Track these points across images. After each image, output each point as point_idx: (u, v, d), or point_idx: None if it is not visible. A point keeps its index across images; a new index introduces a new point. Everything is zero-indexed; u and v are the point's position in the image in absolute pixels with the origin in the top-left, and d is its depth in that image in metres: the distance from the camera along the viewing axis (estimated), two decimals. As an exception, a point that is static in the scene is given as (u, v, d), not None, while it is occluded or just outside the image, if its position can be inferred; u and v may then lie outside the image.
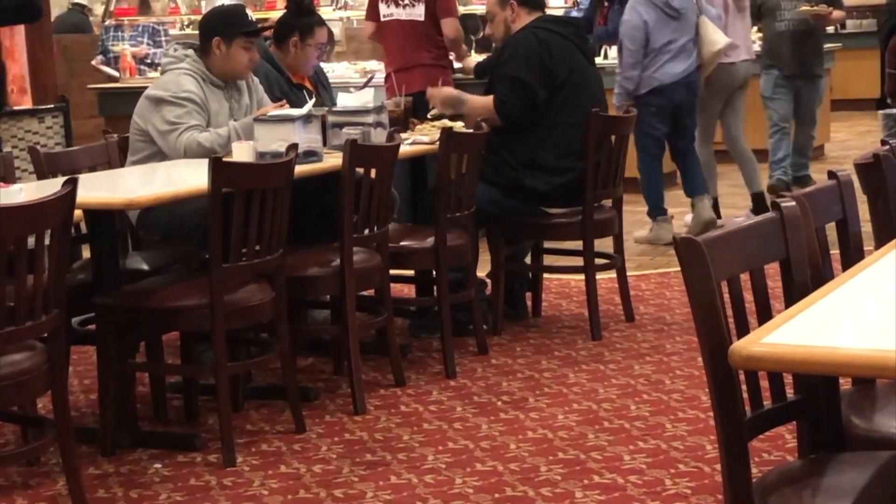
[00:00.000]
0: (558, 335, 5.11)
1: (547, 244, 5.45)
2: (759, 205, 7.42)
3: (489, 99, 5.06)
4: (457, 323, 4.79)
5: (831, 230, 2.59)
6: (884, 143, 3.10)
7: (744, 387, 2.11)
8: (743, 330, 2.10)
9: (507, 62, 5.09)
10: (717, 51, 6.87)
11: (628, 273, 5.40)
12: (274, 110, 4.46)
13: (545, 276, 5.61)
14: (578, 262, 5.14)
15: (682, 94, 6.80)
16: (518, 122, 4.91)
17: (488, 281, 5.20)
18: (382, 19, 6.79)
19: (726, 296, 2.11)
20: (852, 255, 2.60)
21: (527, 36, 5.06)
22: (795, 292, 2.20)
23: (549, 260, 5.52)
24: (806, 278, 2.25)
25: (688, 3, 6.79)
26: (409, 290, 5.44)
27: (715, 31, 6.87)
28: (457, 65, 7.09)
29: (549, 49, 4.98)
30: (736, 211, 7.78)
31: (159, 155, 4.45)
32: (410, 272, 5.15)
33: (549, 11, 5.51)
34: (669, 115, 6.81)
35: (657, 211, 6.99)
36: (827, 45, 10.77)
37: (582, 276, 5.13)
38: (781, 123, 8.03)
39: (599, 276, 5.21)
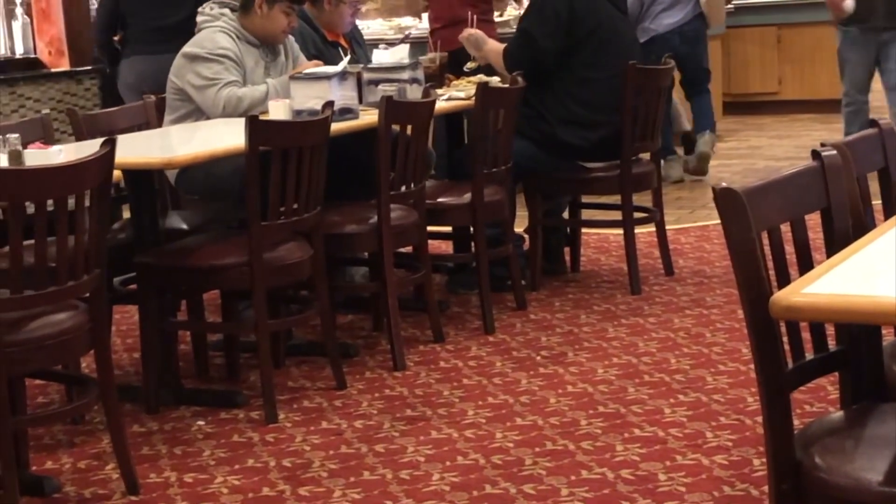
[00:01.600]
0: (597, 290, 5.10)
1: (585, 199, 5.43)
2: None
3: (501, 47, 5.10)
4: (495, 278, 4.79)
5: (873, 180, 2.56)
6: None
7: (785, 338, 2.09)
8: (784, 281, 2.08)
9: (526, 14, 5.15)
10: (717, 1, 7.32)
11: (667, 227, 5.37)
12: (309, 68, 4.46)
13: (583, 230, 5.60)
14: (617, 216, 5.12)
15: (677, 42, 7.06)
16: (519, 72, 4.89)
17: (526, 236, 5.19)
18: None
19: (766, 247, 2.09)
20: (894, 204, 2.56)
21: None
22: (836, 242, 2.18)
23: (587, 214, 5.51)
24: (847, 228, 2.22)
25: None
26: (446, 247, 5.44)
27: None
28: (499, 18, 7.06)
29: (574, 2, 4.94)
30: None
31: (196, 113, 4.46)
32: (448, 228, 5.15)
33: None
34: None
35: (665, 151, 7.06)
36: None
37: (620, 231, 5.11)
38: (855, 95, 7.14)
39: (638, 230, 5.19)
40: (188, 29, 4.67)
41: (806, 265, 2.14)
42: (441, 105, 4.67)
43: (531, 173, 5.03)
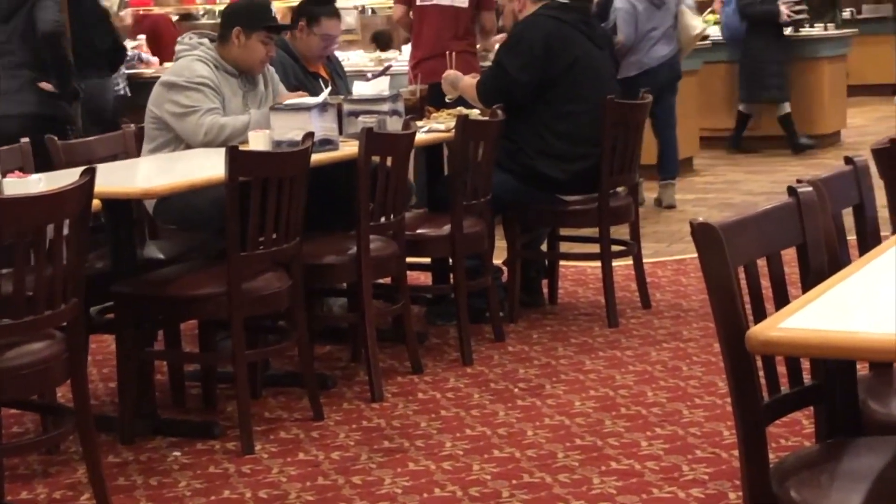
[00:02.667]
0: (575, 322, 5.11)
1: (563, 231, 5.45)
2: None
3: (475, 81, 5.14)
4: (473, 310, 4.80)
5: (848, 215, 2.58)
6: (901, 127, 3.09)
7: (761, 372, 2.11)
8: (760, 315, 2.10)
9: (502, 46, 5.21)
10: (695, 35, 7.65)
11: (644, 260, 5.40)
12: (290, 99, 4.47)
13: (561, 263, 5.62)
14: (595, 249, 5.14)
15: (666, 74, 7.44)
16: (494, 104, 4.93)
17: (504, 268, 5.20)
18: (419, 3, 6.70)
19: (743, 281, 2.11)
20: (869, 240, 2.59)
21: (528, 25, 5.07)
22: (812, 277, 2.20)
23: (565, 247, 5.53)
24: (823, 263, 2.25)
25: None
26: (425, 278, 5.45)
27: (693, 17, 7.62)
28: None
29: (549, 38, 4.98)
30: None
31: (175, 142, 4.46)
32: (427, 259, 5.16)
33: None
34: (656, 93, 6.95)
35: (667, 174, 7.70)
36: (844, 31, 10.77)
37: (598, 263, 5.13)
38: None
39: (616, 262, 5.21)
40: None
41: (782, 300, 2.16)
42: (421, 137, 4.69)
43: (510, 205, 5.06)
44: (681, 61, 7.68)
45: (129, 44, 7.91)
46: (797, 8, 9.86)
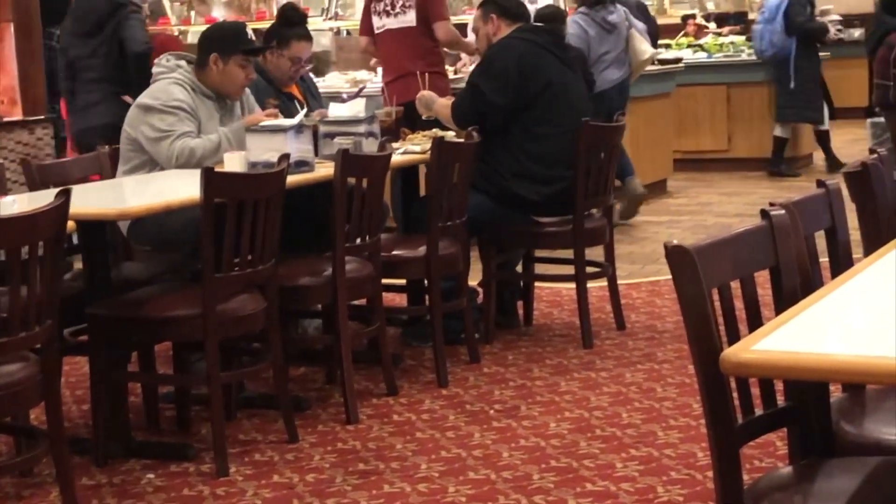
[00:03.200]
0: (550, 343, 5.12)
1: (538, 253, 5.47)
2: None
3: (450, 103, 5.17)
4: (449, 332, 4.80)
5: (820, 238, 2.61)
6: (872, 151, 3.13)
7: (735, 394, 2.12)
8: (734, 337, 2.12)
9: (476, 68, 5.23)
10: (646, 59, 7.82)
11: (619, 281, 5.42)
12: (265, 119, 4.48)
13: (536, 284, 5.63)
14: (569, 270, 5.16)
15: (616, 97, 7.57)
16: (468, 126, 4.96)
17: (480, 290, 5.21)
18: (376, 31, 6.80)
19: (717, 304, 2.13)
20: (841, 262, 2.61)
21: (502, 47, 5.10)
22: (785, 300, 2.22)
23: (540, 268, 5.54)
24: (795, 286, 2.27)
25: (620, 18, 7.68)
26: (400, 300, 5.45)
27: (643, 42, 7.78)
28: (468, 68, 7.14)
29: (523, 61, 5.01)
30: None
31: (150, 164, 4.46)
32: (402, 281, 5.17)
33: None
34: (605, 115, 7.06)
35: (625, 171, 7.70)
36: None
37: (573, 285, 5.15)
38: None
39: (590, 284, 5.23)
40: None
41: (755, 322, 2.18)
42: (397, 159, 4.70)
43: (486, 227, 5.07)
44: (629, 85, 7.81)
45: None
46: (839, 27, 9.89)
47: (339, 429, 4.11)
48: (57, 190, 3.12)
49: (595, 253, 5.31)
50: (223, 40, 4.58)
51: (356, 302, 4.58)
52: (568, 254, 5.16)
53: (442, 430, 4.06)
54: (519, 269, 5.47)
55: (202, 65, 4.54)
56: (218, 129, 4.51)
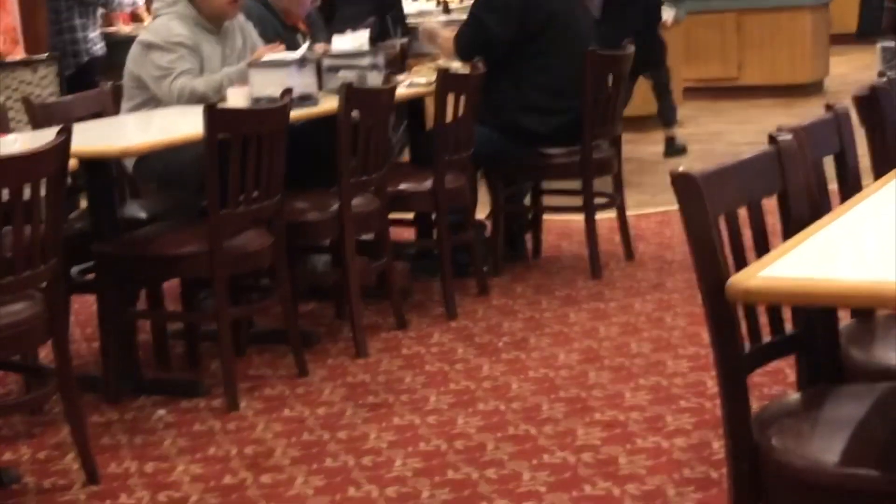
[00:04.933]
0: (558, 275, 5.11)
1: (546, 185, 5.44)
2: None
3: (453, 35, 5.10)
4: (457, 265, 4.79)
5: (829, 164, 2.58)
6: (881, 75, 3.08)
7: (742, 322, 2.11)
8: (741, 265, 2.09)
9: (477, 1, 5.13)
10: None
11: (628, 212, 5.39)
12: (268, 53, 4.43)
13: (545, 216, 5.60)
14: (578, 201, 5.13)
15: None
16: (471, 58, 4.89)
17: (488, 222, 5.19)
18: None
19: (724, 231, 2.10)
20: (850, 188, 2.58)
21: None
22: (793, 226, 2.19)
23: (548, 200, 5.52)
24: (803, 212, 2.24)
25: None
26: (408, 234, 5.44)
27: None
28: None
29: None
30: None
31: (153, 101, 4.42)
32: (410, 215, 5.15)
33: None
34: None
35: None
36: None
37: (581, 216, 5.12)
38: None
39: (599, 215, 5.20)
40: None
41: (763, 249, 2.16)
42: (402, 91, 4.65)
43: (492, 159, 5.03)
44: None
45: None
46: None
47: (349, 363, 4.11)
48: (59, 128, 3.10)
49: (603, 184, 5.28)
50: None
51: (364, 237, 4.56)
52: (576, 185, 5.13)
53: (451, 362, 4.07)
54: (527, 201, 5.44)
55: None
56: (222, 70, 4.46)
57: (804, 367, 2.35)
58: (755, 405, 2.10)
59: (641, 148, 7.81)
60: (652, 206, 6.28)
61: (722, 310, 1.98)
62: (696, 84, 9.75)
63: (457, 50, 5.09)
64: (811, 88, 10.18)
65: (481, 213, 5.22)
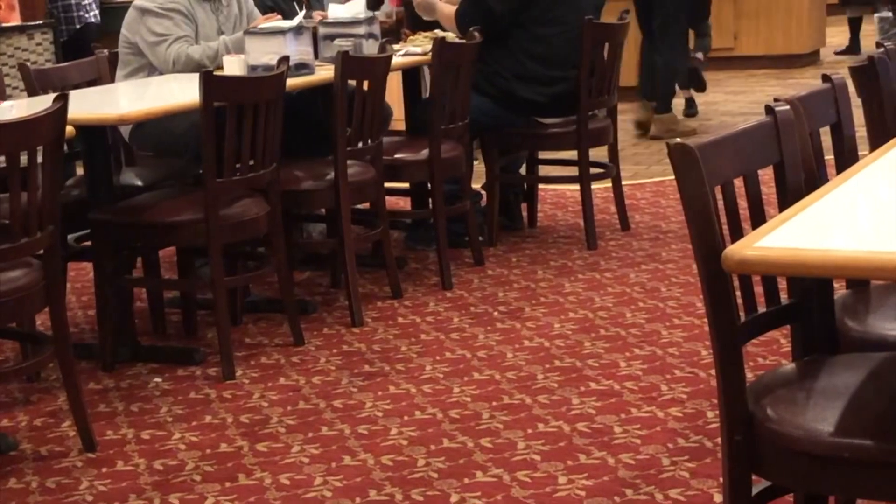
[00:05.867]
0: (554, 245, 5.12)
1: (542, 154, 5.44)
2: None
3: (452, 10, 5.06)
4: (452, 234, 4.80)
5: (825, 134, 2.58)
6: (879, 45, 3.08)
7: (738, 292, 2.11)
8: (737, 235, 2.10)
9: None
10: None
11: (623, 182, 5.39)
12: (264, 23, 4.42)
13: (540, 186, 5.61)
14: (573, 171, 5.13)
15: None
16: (470, 30, 4.87)
17: (483, 192, 5.19)
18: None
19: (720, 202, 2.11)
20: (846, 158, 2.58)
21: None
22: (789, 196, 2.19)
23: (543, 170, 5.52)
24: (800, 182, 2.24)
25: None
26: (404, 203, 5.44)
27: None
28: None
29: None
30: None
31: (149, 68, 4.41)
32: (405, 184, 5.15)
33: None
34: None
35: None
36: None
37: (577, 186, 5.13)
38: None
39: (594, 185, 5.21)
40: None
41: (759, 219, 2.16)
42: (398, 60, 4.64)
43: (488, 129, 5.03)
44: None
45: None
46: None
47: (345, 331, 4.12)
48: (55, 95, 3.09)
49: (599, 154, 5.28)
50: None
51: (359, 206, 4.56)
52: (572, 155, 5.13)
53: (446, 331, 4.08)
54: (522, 170, 5.44)
55: None
56: (220, 38, 4.45)
57: (799, 338, 2.36)
58: (750, 375, 2.11)
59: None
60: (647, 177, 6.29)
61: (717, 280, 1.99)
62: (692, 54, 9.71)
63: (458, 25, 5.04)
64: (807, 59, 10.16)
65: (477, 182, 5.22)
